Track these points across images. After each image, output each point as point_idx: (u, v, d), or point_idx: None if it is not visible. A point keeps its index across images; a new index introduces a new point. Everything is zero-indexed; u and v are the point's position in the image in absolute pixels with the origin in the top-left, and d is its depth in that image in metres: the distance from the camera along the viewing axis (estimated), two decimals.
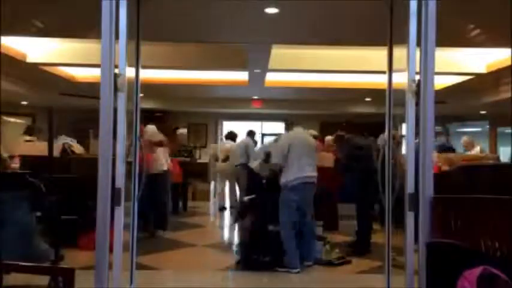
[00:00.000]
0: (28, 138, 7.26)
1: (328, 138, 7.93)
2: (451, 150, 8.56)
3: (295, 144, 5.34)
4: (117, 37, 2.73)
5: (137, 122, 3.36)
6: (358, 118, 12.60)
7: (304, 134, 5.76)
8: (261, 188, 5.77)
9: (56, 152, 6.30)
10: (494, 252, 2.35)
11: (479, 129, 13.48)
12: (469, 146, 8.71)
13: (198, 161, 13.52)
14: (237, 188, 9.35)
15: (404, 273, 2.73)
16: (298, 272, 5.06)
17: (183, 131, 9.34)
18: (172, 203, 9.14)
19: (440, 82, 8.14)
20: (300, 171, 5.22)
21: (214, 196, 12.13)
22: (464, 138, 8.97)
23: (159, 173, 6.73)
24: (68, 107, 11.27)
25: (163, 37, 5.88)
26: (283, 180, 5.25)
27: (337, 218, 7.32)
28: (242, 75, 8.63)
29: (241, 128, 15.19)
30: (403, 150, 3.62)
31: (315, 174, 5.41)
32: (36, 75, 7.98)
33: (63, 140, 7.20)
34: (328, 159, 7.39)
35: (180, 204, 9.51)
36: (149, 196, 5.86)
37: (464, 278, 2.14)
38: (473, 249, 2.36)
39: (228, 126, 15.10)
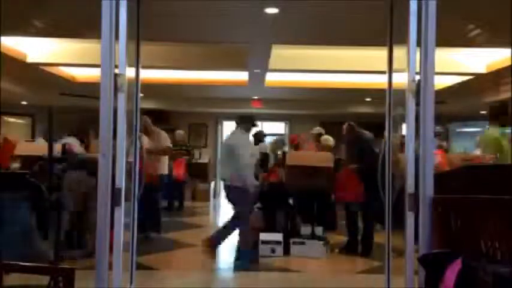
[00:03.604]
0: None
1: (325, 137, 7.81)
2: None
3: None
4: (117, 37, 2.73)
5: (137, 122, 3.36)
6: (358, 118, 12.60)
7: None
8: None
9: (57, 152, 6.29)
10: (494, 252, 2.35)
11: (479, 129, 13.47)
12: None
13: (198, 161, 13.55)
14: None
15: (404, 273, 2.73)
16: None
17: (180, 131, 9.39)
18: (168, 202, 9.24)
19: (441, 82, 8.14)
20: None
21: (214, 196, 12.15)
22: (478, 138, 8.99)
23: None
24: (68, 107, 11.26)
25: (163, 37, 5.88)
26: None
27: (336, 218, 7.33)
28: (242, 75, 8.63)
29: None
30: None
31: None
32: (36, 75, 7.98)
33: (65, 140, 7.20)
34: (327, 159, 7.34)
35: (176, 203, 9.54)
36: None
37: (446, 274, 2.16)
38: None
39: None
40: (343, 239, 6.44)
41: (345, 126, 6.32)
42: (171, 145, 7.30)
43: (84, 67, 7.96)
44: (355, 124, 6.35)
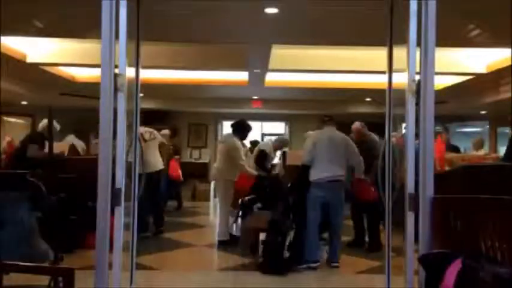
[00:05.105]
0: None
1: None
2: (457, 149, 8.49)
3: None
4: (117, 37, 2.73)
5: (137, 122, 3.37)
6: (358, 118, 12.59)
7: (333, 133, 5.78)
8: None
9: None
10: (494, 252, 2.35)
11: (479, 129, 13.48)
12: (476, 146, 8.71)
13: (198, 161, 13.58)
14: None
15: (404, 273, 2.73)
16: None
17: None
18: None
19: (441, 82, 8.14)
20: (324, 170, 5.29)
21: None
22: (475, 139, 9.02)
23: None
24: (68, 107, 11.27)
25: (163, 37, 5.88)
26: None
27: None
28: (242, 75, 8.63)
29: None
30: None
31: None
32: (36, 75, 7.97)
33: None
34: None
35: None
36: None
37: (446, 274, 2.16)
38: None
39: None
40: (343, 238, 6.44)
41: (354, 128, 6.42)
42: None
43: (84, 67, 7.97)
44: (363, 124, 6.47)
